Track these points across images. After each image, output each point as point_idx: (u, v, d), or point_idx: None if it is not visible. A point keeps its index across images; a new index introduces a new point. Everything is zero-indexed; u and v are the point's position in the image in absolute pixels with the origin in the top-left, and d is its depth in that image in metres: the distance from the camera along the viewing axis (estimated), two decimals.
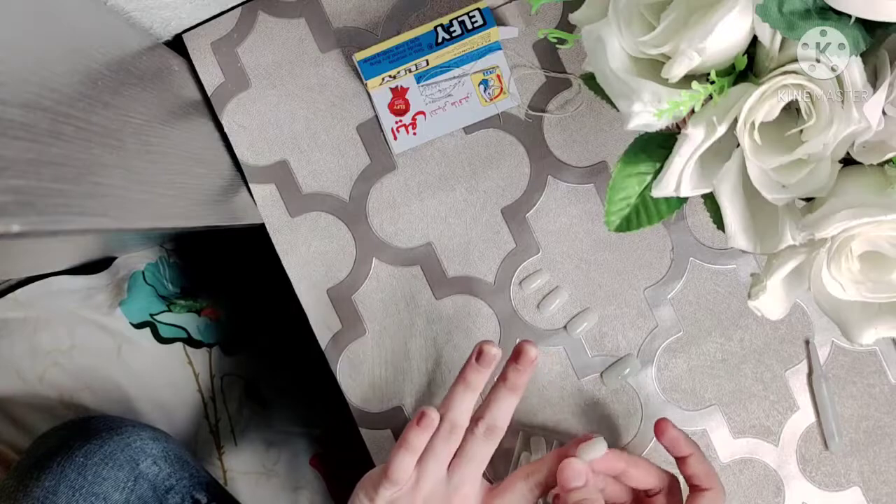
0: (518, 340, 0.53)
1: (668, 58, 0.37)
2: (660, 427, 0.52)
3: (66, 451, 0.52)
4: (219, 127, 0.60)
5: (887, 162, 0.36)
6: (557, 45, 0.59)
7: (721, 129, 0.36)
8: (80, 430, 0.55)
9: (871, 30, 0.34)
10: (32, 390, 0.66)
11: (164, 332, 0.69)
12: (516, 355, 0.51)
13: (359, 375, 0.60)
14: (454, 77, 0.58)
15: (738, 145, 0.38)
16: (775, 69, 0.36)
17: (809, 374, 0.59)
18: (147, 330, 0.69)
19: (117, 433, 0.55)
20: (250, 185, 0.60)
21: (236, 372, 0.73)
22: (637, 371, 0.59)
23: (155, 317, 0.69)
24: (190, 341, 0.71)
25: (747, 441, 0.59)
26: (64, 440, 0.54)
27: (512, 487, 0.51)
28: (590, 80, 0.44)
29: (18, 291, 0.66)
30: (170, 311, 0.70)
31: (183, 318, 0.71)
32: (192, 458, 0.62)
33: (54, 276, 0.67)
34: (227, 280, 0.77)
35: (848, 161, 0.37)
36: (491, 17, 0.56)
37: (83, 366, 0.66)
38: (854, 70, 0.33)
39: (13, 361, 0.65)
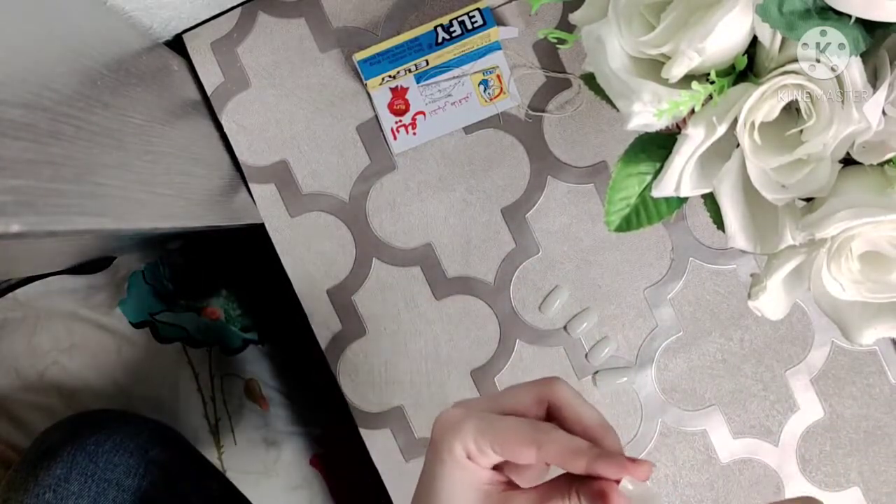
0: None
1: (668, 58, 0.37)
2: None
3: (76, 440, 0.53)
4: (218, 127, 0.60)
5: (887, 162, 0.36)
6: (557, 46, 0.58)
7: (721, 130, 0.36)
8: (90, 421, 0.56)
9: (871, 30, 0.34)
10: (32, 389, 0.66)
11: (164, 331, 0.69)
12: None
13: (359, 375, 0.60)
14: (454, 77, 0.58)
15: (738, 145, 0.38)
16: (775, 69, 0.36)
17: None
18: (147, 329, 0.69)
19: (125, 423, 0.56)
20: (250, 185, 0.60)
21: (236, 372, 0.73)
22: (633, 381, 0.59)
23: (155, 316, 0.69)
24: (190, 341, 0.71)
25: (747, 441, 0.59)
26: (73, 431, 0.54)
27: None
28: (590, 80, 0.44)
29: (18, 291, 0.66)
30: (169, 310, 0.70)
31: (183, 318, 0.71)
32: (197, 452, 0.62)
33: (54, 275, 0.67)
34: (227, 280, 0.77)
35: (848, 161, 0.37)
36: (491, 17, 0.56)
37: (83, 365, 0.66)
38: (854, 70, 0.33)
39: (13, 360, 0.65)
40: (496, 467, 0.34)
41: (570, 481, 0.32)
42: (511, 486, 0.34)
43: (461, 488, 0.33)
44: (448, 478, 0.33)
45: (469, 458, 0.32)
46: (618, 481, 0.31)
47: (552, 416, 0.34)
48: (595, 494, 0.31)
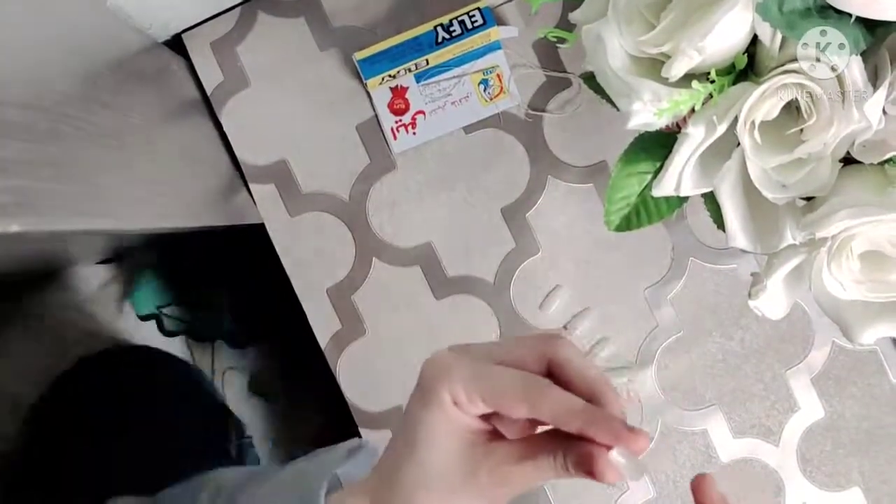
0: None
1: (668, 57, 0.37)
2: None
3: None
4: (218, 126, 0.60)
5: (887, 161, 0.36)
6: (557, 45, 0.58)
7: (721, 129, 0.36)
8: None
9: (872, 29, 0.34)
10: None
11: (169, 325, 0.70)
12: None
13: (359, 375, 0.60)
14: (454, 77, 0.58)
15: (739, 144, 0.38)
16: (775, 68, 0.36)
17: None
18: (152, 322, 0.69)
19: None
20: (250, 185, 0.60)
21: (239, 366, 0.74)
22: (634, 381, 0.59)
23: (161, 309, 0.70)
24: (194, 335, 0.71)
25: (748, 441, 0.59)
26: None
27: None
28: (590, 79, 0.44)
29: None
30: (176, 304, 0.71)
31: (187, 313, 0.71)
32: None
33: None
34: (231, 276, 0.77)
35: (848, 160, 0.37)
36: (491, 17, 0.56)
37: None
38: (854, 69, 0.33)
39: (22, 353, 0.65)
40: (484, 416, 0.31)
41: (559, 438, 0.29)
42: (496, 435, 0.32)
43: (444, 435, 0.30)
44: (431, 423, 0.30)
45: (456, 405, 0.30)
46: (610, 448, 0.28)
47: (552, 374, 0.31)
48: (582, 457, 0.28)
